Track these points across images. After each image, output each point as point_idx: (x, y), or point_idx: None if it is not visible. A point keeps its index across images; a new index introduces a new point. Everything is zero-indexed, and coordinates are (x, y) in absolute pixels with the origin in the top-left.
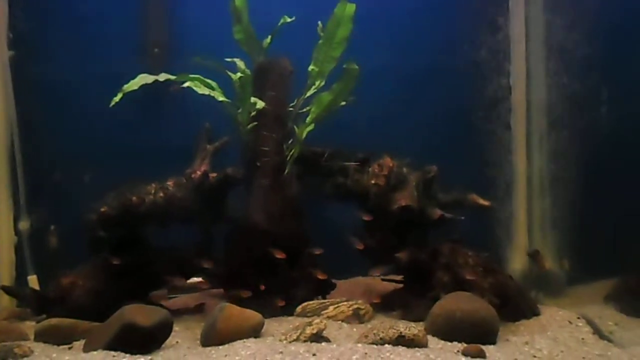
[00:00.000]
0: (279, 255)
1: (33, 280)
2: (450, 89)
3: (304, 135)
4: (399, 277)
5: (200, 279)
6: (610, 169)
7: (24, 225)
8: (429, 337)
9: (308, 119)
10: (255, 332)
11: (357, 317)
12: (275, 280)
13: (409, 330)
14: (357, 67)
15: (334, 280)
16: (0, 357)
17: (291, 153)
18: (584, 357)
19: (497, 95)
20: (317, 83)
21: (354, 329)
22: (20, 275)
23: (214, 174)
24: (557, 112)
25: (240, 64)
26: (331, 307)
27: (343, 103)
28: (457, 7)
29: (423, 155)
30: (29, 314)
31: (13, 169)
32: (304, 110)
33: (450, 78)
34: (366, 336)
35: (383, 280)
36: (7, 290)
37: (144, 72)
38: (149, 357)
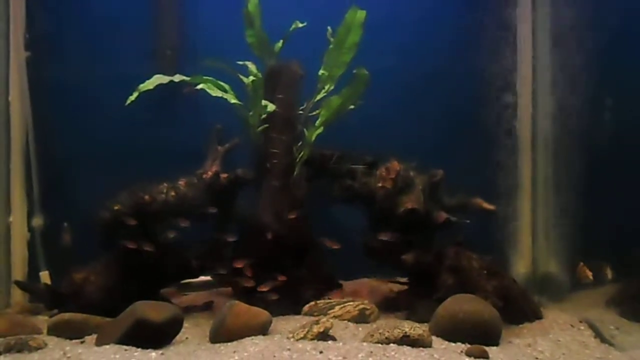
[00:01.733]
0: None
1: (45, 276)
2: (457, 95)
3: (313, 138)
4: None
5: (209, 277)
6: (613, 175)
7: (37, 222)
8: (433, 337)
9: (317, 122)
10: (263, 329)
11: (362, 317)
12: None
13: (413, 331)
14: (366, 72)
15: (340, 281)
16: (16, 350)
17: (300, 155)
18: None
19: (503, 100)
20: (326, 87)
21: (360, 329)
22: (32, 271)
23: (225, 175)
24: (562, 119)
25: (252, 67)
26: (337, 307)
27: (352, 107)
28: (467, 15)
29: (429, 159)
30: (41, 309)
31: (27, 167)
32: (314, 113)
33: (457, 84)
34: (372, 335)
35: (389, 281)
36: (20, 285)
37: (157, 74)
38: (160, 352)
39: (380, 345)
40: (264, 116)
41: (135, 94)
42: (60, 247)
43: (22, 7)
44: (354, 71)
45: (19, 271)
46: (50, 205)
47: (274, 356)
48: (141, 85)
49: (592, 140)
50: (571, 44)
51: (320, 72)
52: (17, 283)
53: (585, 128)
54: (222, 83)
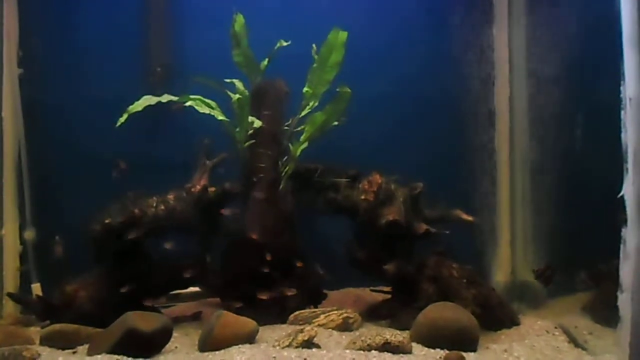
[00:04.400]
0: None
1: (37, 288)
2: (437, 112)
3: (298, 152)
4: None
5: (197, 289)
6: (589, 188)
7: (29, 234)
8: (414, 344)
9: (302, 138)
10: (250, 338)
11: (346, 325)
12: (270, 290)
13: (394, 337)
14: (349, 90)
15: (325, 291)
16: None
17: (286, 169)
18: None
19: (482, 117)
20: (311, 104)
21: (343, 337)
22: (24, 283)
23: (213, 189)
24: (539, 132)
25: (239, 84)
26: (322, 316)
27: (335, 123)
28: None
29: (410, 173)
30: (33, 320)
31: (19, 182)
32: (299, 129)
33: (437, 102)
34: (354, 343)
35: (372, 291)
36: (13, 297)
37: (146, 91)
38: None
39: (362, 352)
40: (250, 132)
41: (125, 116)
42: (51, 259)
43: (16, 25)
44: (337, 89)
45: (10, 284)
46: (42, 218)
47: None
48: (130, 107)
49: (569, 154)
50: (548, 60)
51: (305, 89)
52: (10, 295)
53: (562, 143)
54: (209, 101)
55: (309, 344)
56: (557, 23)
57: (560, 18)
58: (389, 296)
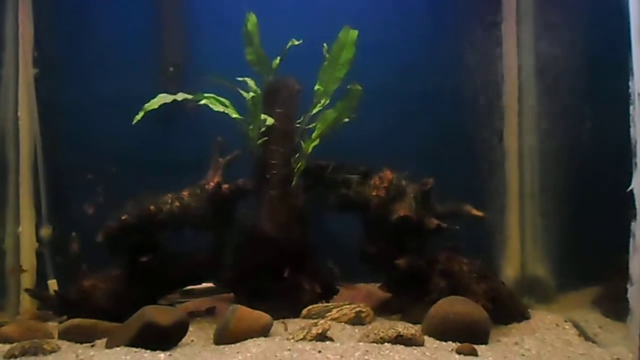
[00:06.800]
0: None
1: (53, 285)
2: (446, 108)
3: (310, 149)
4: None
5: (211, 284)
6: (597, 182)
7: (45, 232)
8: (426, 337)
9: (314, 135)
10: (264, 331)
11: (359, 319)
12: (283, 285)
13: (406, 330)
14: (360, 87)
15: (337, 286)
16: (31, 353)
17: (298, 166)
18: (568, 357)
19: (491, 112)
20: (322, 101)
21: (356, 330)
22: (40, 279)
23: (226, 185)
24: (548, 126)
25: (251, 83)
26: (335, 310)
27: (346, 120)
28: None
29: (421, 169)
30: (50, 316)
31: (36, 180)
32: (310, 126)
33: (446, 98)
34: (367, 336)
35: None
36: (31, 293)
37: (159, 91)
38: (168, 354)
39: (375, 344)
40: (263, 129)
41: (140, 114)
42: (68, 256)
43: (31, 26)
44: (348, 86)
45: (28, 280)
46: (58, 216)
47: (276, 356)
48: (146, 105)
49: (577, 148)
50: (556, 55)
51: (316, 87)
52: (28, 291)
53: (571, 136)
54: (222, 99)
55: (322, 337)
56: (566, 19)
57: (569, 14)
58: (400, 291)
